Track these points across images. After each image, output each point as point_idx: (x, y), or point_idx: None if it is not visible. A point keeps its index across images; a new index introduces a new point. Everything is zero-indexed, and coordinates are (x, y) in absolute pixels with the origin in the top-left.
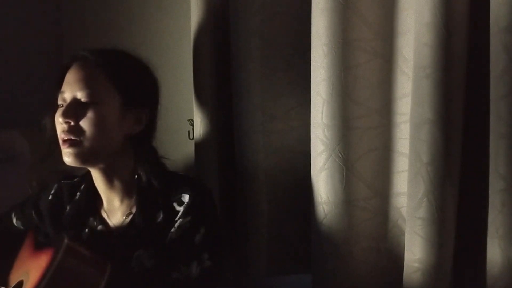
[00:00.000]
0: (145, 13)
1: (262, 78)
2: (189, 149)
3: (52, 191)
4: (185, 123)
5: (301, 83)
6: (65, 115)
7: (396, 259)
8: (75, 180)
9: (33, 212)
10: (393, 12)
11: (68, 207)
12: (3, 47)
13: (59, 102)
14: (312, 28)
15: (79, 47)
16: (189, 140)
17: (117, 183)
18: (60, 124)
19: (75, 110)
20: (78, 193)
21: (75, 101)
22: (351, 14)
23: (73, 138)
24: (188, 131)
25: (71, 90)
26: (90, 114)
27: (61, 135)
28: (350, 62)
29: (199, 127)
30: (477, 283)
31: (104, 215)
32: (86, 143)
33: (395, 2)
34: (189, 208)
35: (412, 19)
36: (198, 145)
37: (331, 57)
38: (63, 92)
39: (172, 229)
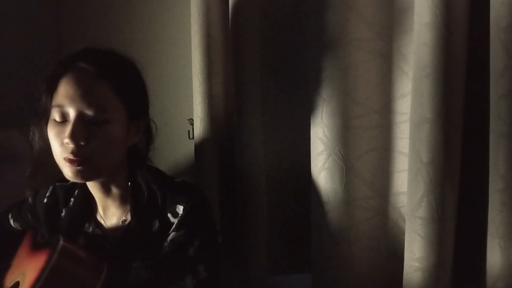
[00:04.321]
0: (145, 13)
1: (262, 78)
2: (189, 149)
3: (47, 194)
4: (185, 123)
5: (301, 83)
6: (75, 137)
7: (396, 259)
8: (70, 182)
9: (29, 214)
10: (393, 12)
11: (63, 211)
12: (3, 47)
13: (55, 116)
14: (312, 28)
15: (77, 47)
16: (189, 140)
17: (113, 190)
18: (66, 144)
19: (85, 130)
20: (72, 198)
21: (82, 118)
22: (351, 14)
23: (82, 158)
24: (188, 131)
25: (75, 106)
26: (101, 134)
27: (66, 155)
28: (350, 62)
29: (199, 127)
30: (477, 283)
31: (100, 220)
32: (94, 162)
33: (395, 2)
34: (182, 221)
35: (412, 19)
36: (198, 145)
37: (331, 57)
38: (61, 106)
39: (165, 243)
